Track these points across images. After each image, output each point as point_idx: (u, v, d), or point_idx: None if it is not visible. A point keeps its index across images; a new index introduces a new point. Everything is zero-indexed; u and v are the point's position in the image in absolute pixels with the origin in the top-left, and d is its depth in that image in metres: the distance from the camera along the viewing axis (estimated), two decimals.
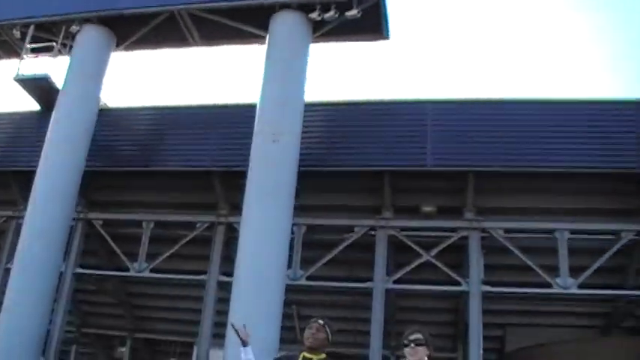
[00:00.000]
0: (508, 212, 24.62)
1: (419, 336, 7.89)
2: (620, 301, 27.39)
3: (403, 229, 24.93)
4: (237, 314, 18.65)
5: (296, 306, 30.47)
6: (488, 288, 23.68)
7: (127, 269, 26.95)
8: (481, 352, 23.11)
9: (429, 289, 25.69)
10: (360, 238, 25.04)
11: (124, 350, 34.21)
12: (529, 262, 23.59)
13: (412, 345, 7.77)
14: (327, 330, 8.64)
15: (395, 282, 24.59)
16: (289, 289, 28.04)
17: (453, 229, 24.61)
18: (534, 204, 24.53)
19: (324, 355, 8.43)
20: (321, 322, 8.65)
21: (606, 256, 23.66)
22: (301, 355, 8.36)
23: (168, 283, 29.73)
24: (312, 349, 8.35)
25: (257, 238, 19.58)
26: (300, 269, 24.99)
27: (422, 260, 24.27)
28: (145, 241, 26.91)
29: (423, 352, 7.76)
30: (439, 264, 24.17)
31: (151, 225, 27.21)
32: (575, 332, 27.94)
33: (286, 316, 30.72)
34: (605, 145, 23.55)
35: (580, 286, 23.45)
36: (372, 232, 24.94)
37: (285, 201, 20.52)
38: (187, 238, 26.62)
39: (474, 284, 23.54)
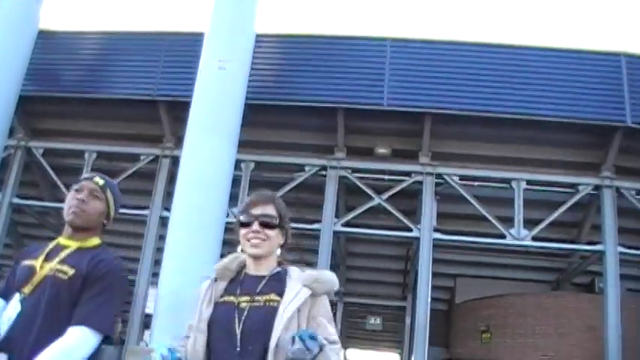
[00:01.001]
0: (464, 159, 23.68)
1: (270, 211, 4.32)
2: (574, 256, 27.02)
3: (355, 170, 23.89)
4: (171, 257, 17.51)
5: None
6: (439, 235, 22.91)
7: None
8: (429, 300, 22.39)
9: (380, 234, 24.90)
10: (310, 178, 24.03)
11: None
12: (483, 212, 22.87)
13: (255, 224, 4.26)
14: (109, 196, 4.93)
15: (344, 225, 23.68)
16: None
17: (407, 174, 23.67)
18: (492, 152, 23.63)
19: (97, 241, 4.78)
20: (98, 180, 5.07)
21: (562, 209, 23.07)
22: (54, 242, 4.90)
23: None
24: (77, 230, 4.71)
25: (197, 172, 18.18)
26: None
27: (373, 204, 23.35)
28: (86, 173, 25.39)
29: (275, 238, 4.46)
30: (391, 208, 23.27)
31: (94, 156, 25.80)
32: (527, 287, 27.54)
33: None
34: (568, 94, 22.56)
35: (534, 239, 22.87)
36: (323, 173, 23.88)
37: (229, 133, 19.09)
38: (130, 171, 25.31)
39: (426, 231, 22.74)
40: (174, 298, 16.62)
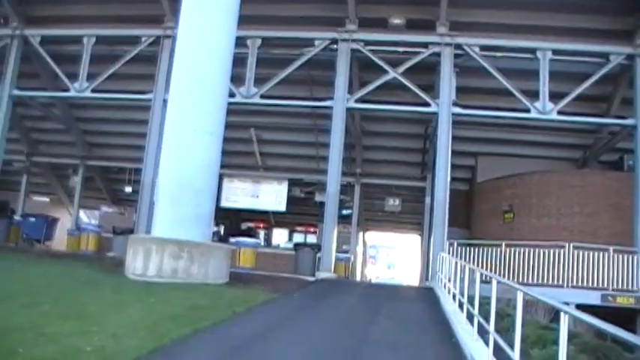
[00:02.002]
0: (485, 28, 21.99)
1: None
2: (602, 132, 25.59)
3: (368, 43, 22.30)
4: (170, 142, 16.44)
5: (254, 129, 28.62)
6: (459, 110, 21.57)
7: (68, 90, 24.52)
8: (448, 179, 21.33)
9: (396, 109, 23.59)
10: (321, 53, 22.54)
11: (77, 180, 32.46)
12: (506, 84, 21.38)
13: None
14: None
15: (358, 101, 22.35)
16: (245, 112, 26.16)
17: (424, 45, 22.05)
18: (515, 20, 21.91)
19: None
20: None
21: (590, 81, 21.48)
22: None
23: (115, 105, 27.82)
24: None
25: (194, 50, 16.76)
26: (254, 86, 22.60)
27: (388, 78, 21.96)
28: (85, 59, 24.28)
29: None
30: (407, 83, 21.86)
31: (92, 40, 24.46)
32: (551, 165, 26.20)
33: (244, 141, 29.09)
34: None
35: (560, 113, 21.46)
36: (334, 47, 22.33)
37: (228, 5, 17.47)
38: (131, 54, 24.03)
39: (444, 105, 21.44)
40: (175, 185, 15.81)
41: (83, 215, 35.57)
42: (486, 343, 7.66)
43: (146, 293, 12.09)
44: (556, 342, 9.43)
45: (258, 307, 11.63)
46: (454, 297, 12.53)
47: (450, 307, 12.69)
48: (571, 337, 10.64)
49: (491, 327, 7.29)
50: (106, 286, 12.94)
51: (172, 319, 9.43)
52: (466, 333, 9.24)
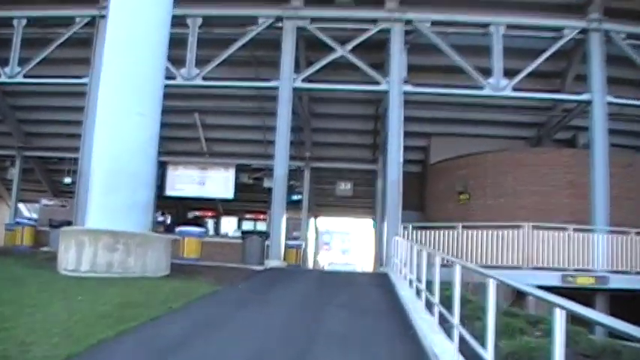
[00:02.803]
0: (436, 3, 21.11)
1: None
2: (556, 109, 25.10)
3: (315, 20, 21.29)
4: (102, 124, 15.18)
5: (198, 114, 27.38)
6: (410, 88, 20.72)
7: None
8: (401, 160, 20.52)
9: (345, 89, 22.66)
10: (266, 32, 21.47)
11: (14, 171, 30.77)
12: (459, 60, 20.63)
13: None
14: None
15: (305, 81, 21.34)
16: (188, 95, 24.99)
17: (373, 21, 21.14)
18: None
19: None
20: None
21: (545, 56, 20.98)
22: None
23: (52, 92, 26.22)
24: None
25: (127, 27, 15.47)
26: (195, 68, 21.41)
27: (336, 56, 21.00)
28: (16, 42, 22.82)
29: None
30: (357, 61, 20.92)
31: (23, 22, 22.98)
32: (505, 144, 25.60)
33: (188, 126, 27.85)
34: None
35: (514, 89, 20.79)
36: (279, 25, 21.26)
37: None
38: (65, 37, 22.55)
39: (395, 84, 20.63)
40: (109, 171, 14.60)
41: (24, 209, 33.97)
42: (449, 335, 6.81)
43: (75, 290, 10.94)
44: (523, 331, 8.75)
45: (197, 302, 10.58)
46: (410, 283, 11.69)
47: (406, 293, 11.86)
48: (534, 321, 10.00)
49: (455, 319, 6.39)
50: (32, 284, 11.68)
51: (97, 320, 8.34)
52: (425, 324, 8.38)
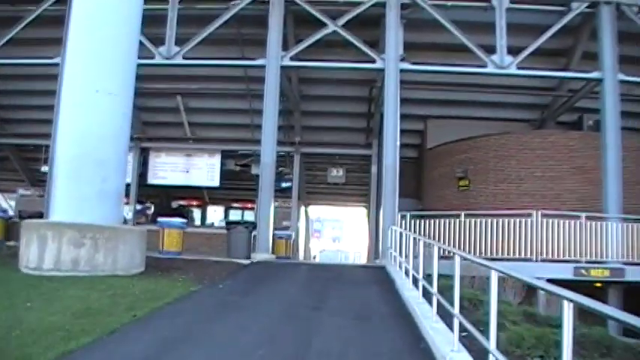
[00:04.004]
0: None
1: None
2: (562, 89, 23.63)
3: None
4: (68, 104, 13.61)
5: (181, 97, 25.77)
6: (407, 65, 19.19)
7: None
8: (398, 143, 19.08)
9: (337, 66, 21.07)
10: (251, 7, 19.89)
11: None
12: (460, 36, 19.18)
13: None
14: None
15: (294, 59, 19.75)
16: (169, 77, 23.53)
17: None
18: None
19: None
20: None
21: (551, 32, 19.48)
22: None
23: (26, 75, 24.59)
24: None
25: (94, 1, 13.90)
26: (175, 46, 19.84)
27: (328, 32, 19.44)
28: None
29: None
30: (349, 37, 19.37)
31: None
32: (506, 127, 23.96)
33: (171, 110, 26.29)
34: None
35: (519, 67, 19.33)
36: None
37: None
38: (34, 15, 20.91)
39: (391, 61, 19.10)
40: (75, 157, 13.03)
41: (1, 199, 32.43)
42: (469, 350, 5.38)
43: (28, 293, 9.50)
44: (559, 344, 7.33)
45: (167, 308, 9.04)
46: (415, 282, 10.21)
47: (409, 293, 10.40)
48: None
49: (491, 343, 4.92)
50: None
51: (40, 336, 6.87)
52: (439, 336, 6.91)
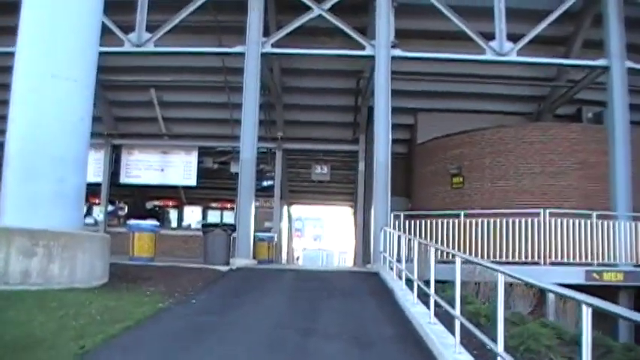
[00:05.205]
0: None
1: None
2: (561, 80, 22.34)
3: None
4: (20, 92, 11.94)
5: (155, 90, 24.11)
6: (399, 52, 17.73)
7: None
8: (390, 136, 17.72)
9: (323, 53, 19.52)
10: None
11: None
12: (456, 21, 17.80)
13: None
14: None
15: (275, 46, 18.19)
16: (142, 69, 22.06)
17: None
18: None
19: None
20: None
21: (552, 17, 18.20)
22: None
23: None
24: None
25: None
26: (146, 32, 18.25)
27: (312, 16, 17.96)
28: None
29: None
30: (336, 21, 17.88)
31: None
32: (501, 120, 22.59)
33: (144, 104, 24.72)
34: None
35: (519, 54, 17.97)
36: None
37: None
38: None
39: (382, 48, 17.64)
40: (27, 152, 11.44)
41: None
42: None
43: None
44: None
45: (127, 335, 7.35)
46: (425, 297, 8.69)
47: (415, 309, 8.91)
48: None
49: None
50: None
51: None
52: None
